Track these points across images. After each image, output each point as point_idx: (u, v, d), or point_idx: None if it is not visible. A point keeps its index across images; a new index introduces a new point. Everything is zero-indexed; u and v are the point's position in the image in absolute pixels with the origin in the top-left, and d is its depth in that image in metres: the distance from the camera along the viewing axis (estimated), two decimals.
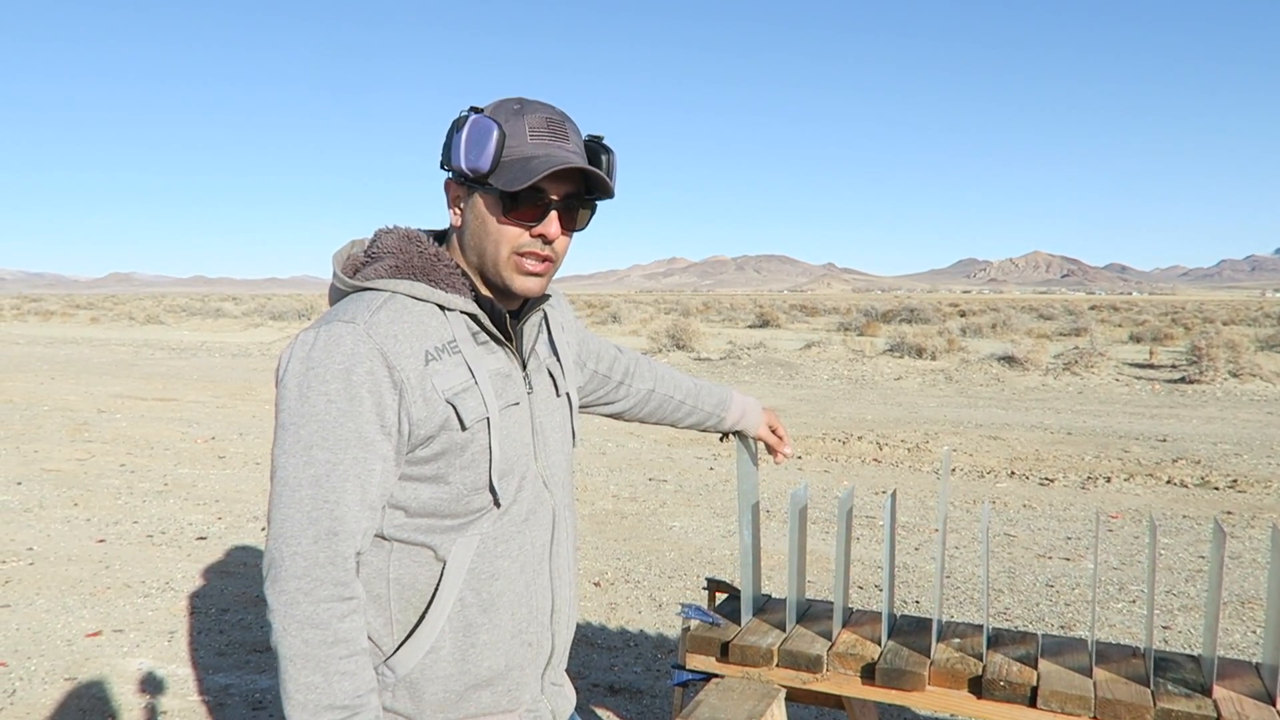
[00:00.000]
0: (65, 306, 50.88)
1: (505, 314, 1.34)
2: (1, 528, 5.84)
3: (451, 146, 1.29)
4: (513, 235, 1.29)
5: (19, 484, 7.07)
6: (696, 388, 1.90)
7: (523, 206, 1.28)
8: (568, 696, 1.52)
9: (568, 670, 3.74)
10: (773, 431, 2.00)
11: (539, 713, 1.42)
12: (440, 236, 1.41)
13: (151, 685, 3.64)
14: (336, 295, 1.36)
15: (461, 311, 1.31)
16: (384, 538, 1.29)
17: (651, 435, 9.64)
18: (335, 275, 1.35)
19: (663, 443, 9.26)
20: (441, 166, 1.34)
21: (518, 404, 1.35)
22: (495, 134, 1.25)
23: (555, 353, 1.48)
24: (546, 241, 1.30)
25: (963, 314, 39.23)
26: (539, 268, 1.32)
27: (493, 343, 1.34)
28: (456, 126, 1.29)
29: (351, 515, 1.21)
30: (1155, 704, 1.65)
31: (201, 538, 5.71)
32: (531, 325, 1.42)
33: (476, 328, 1.33)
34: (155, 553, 5.38)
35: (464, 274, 1.34)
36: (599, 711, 3.45)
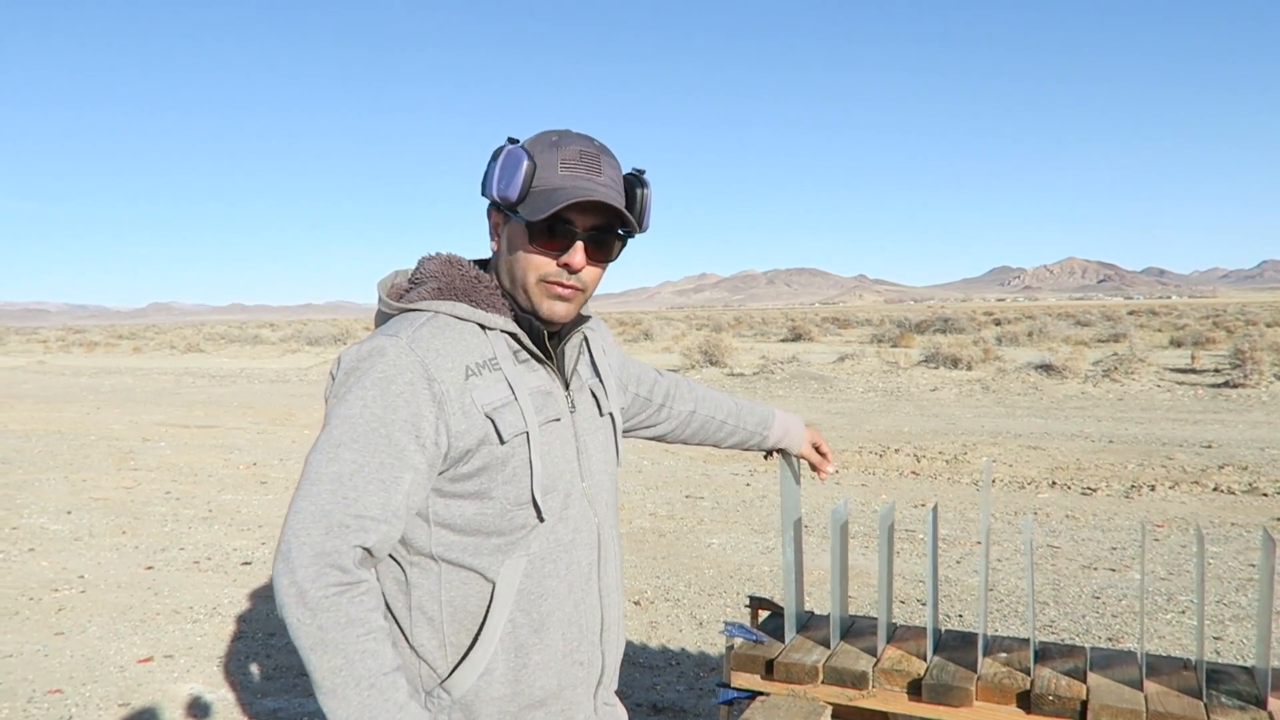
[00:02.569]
0: (108, 337, 51.95)
1: (544, 332, 1.37)
2: (54, 556, 5.97)
3: (488, 175, 1.34)
4: (540, 263, 1.34)
5: (69, 513, 7.23)
6: (738, 407, 1.92)
7: (549, 236, 1.32)
8: (619, 717, 1.53)
9: None
10: (816, 449, 2.00)
11: None
12: (485, 264, 1.46)
13: (202, 710, 3.70)
14: (382, 320, 1.40)
15: (502, 330, 1.35)
16: (433, 559, 1.31)
17: (688, 453, 9.64)
18: (381, 300, 1.40)
19: (699, 460, 9.25)
20: (483, 194, 1.38)
21: (559, 420, 1.38)
22: (525, 164, 1.30)
23: (597, 373, 1.51)
24: (572, 271, 1.34)
25: (998, 323, 38.80)
26: (566, 294, 1.36)
27: (534, 361, 1.38)
28: (494, 157, 1.34)
29: (370, 516, 1.21)
30: (1208, 717, 1.63)
31: (246, 563, 5.80)
32: (573, 346, 1.46)
33: (518, 346, 1.36)
34: (202, 578, 5.47)
35: (504, 295, 1.38)
36: None
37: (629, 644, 4.34)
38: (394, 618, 1.33)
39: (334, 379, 1.28)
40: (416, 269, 1.41)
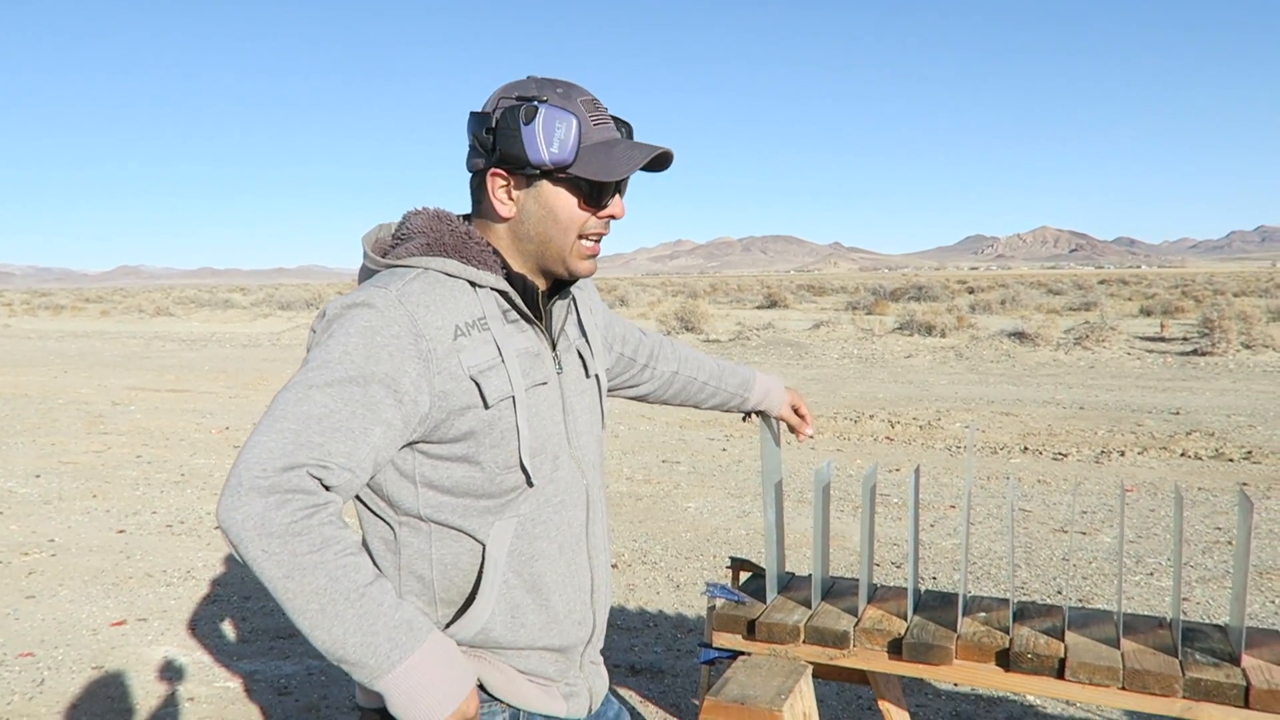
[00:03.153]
0: (75, 300, 51.04)
1: (537, 291, 1.34)
2: (23, 520, 5.89)
3: (519, 139, 1.25)
4: (582, 220, 1.31)
5: (38, 476, 7.13)
6: (720, 369, 1.90)
7: (600, 192, 1.30)
8: (603, 676, 1.53)
9: None
10: (795, 411, 2.00)
11: (576, 688, 1.43)
12: (466, 219, 1.40)
13: (177, 673, 3.68)
14: (366, 276, 1.35)
15: (492, 288, 1.31)
16: (422, 519, 1.29)
17: (663, 417, 9.66)
18: (366, 256, 1.35)
19: (675, 424, 9.27)
20: (490, 160, 1.30)
21: (546, 383, 1.35)
22: (575, 124, 1.25)
23: (584, 334, 1.48)
24: (610, 221, 1.35)
25: (971, 291, 39.10)
26: (595, 249, 1.36)
27: (522, 321, 1.34)
28: (525, 118, 1.25)
29: (332, 462, 1.15)
30: (1184, 674, 1.66)
31: (219, 527, 5.74)
32: (561, 306, 1.42)
33: (507, 305, 1.33)
34: (175, 542, 5.43)
35: (495, 252, 1.33)
36: (621, 691, 3.47)
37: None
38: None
39: (319, 323, 1.24)
40: (402, 224, 1.36)
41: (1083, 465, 7.22)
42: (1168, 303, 26.28)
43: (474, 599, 1.30)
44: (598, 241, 1.35)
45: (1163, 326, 19.58)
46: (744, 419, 2.05)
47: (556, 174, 1.28)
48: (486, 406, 1.26)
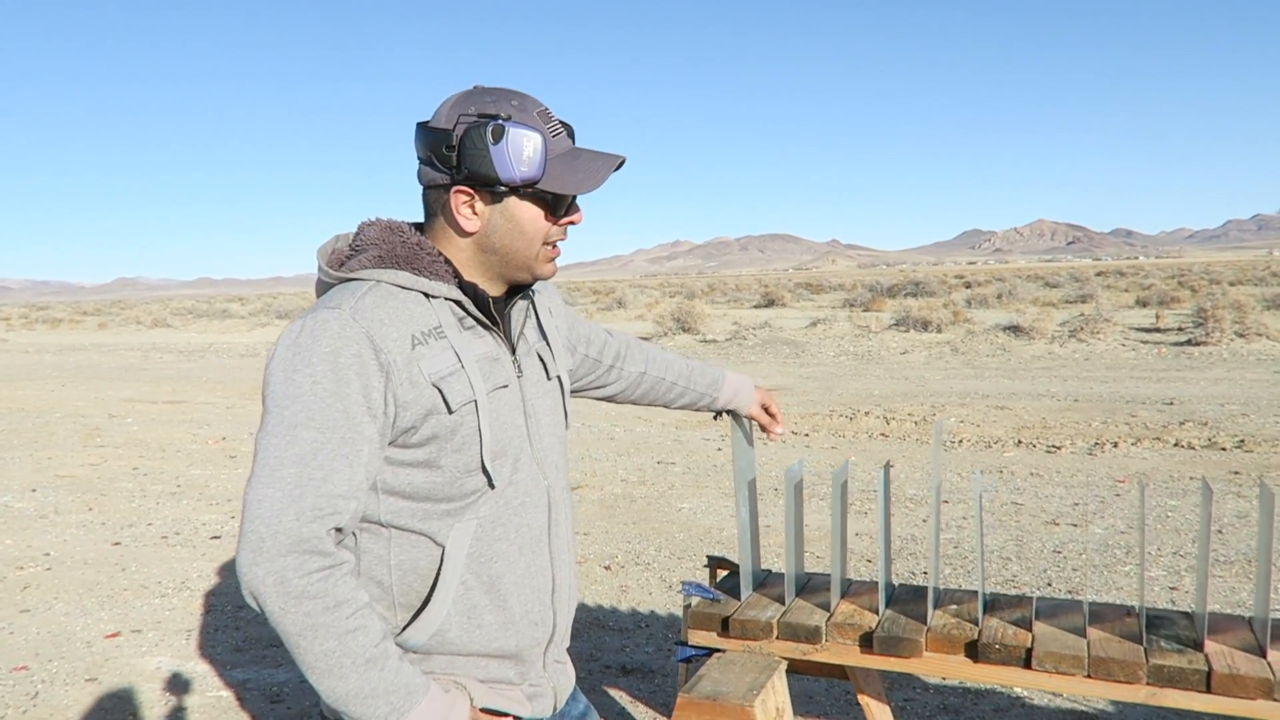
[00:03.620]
0: (72, 313, 51.06)
1: (489, 298, 1.36)
2: (18, 534, 5.91)
3: (488, 159, 1.27)
4: (546, 229, 1.36)
5: (33, 491, 7.15)
6: (689, 369, 1.93)
7: (562, 203, 1.35)
8: (569, 675, 1.55)
9: (580, 652, 3.78)
10: (765, 410, 2.02)
11: (540, 688, 1.45)
12: (419, 228, 1.42)
13: (171, 683, 3.70)
14: (323, 289, 1.37)
15: (446, 298, 1.33)
16: (382, 525, 1.31)
17: (659, 419, 9.68)
18: (320, 269, 1.37)
19: (670, 426, 9.30)
20: (455, 177, 1.31)
21: (506, 386, 1.37)
22: (541, 141, 1.28)
23: (544, 336, 1.50)
24: (572, 227, 1.40)
25: (968, 285, 39.13)
26: (559, 253, 1.41)
27: (479, 327, 1.36)
28: (493, 138, 1.26)
29: (339, 494, 1.20)
30: (1148, 660, 1.68)
31: (215, 537, 5.77)
32: (519, 310, 1.45)
33: (462, 313, 1.35)
34: (170, 553, 5.45)
35: (446, 262, 1.35)
36: (611, 692, 3.50)
37: (599, 608, 4.39)
38: None
39: (275, 357, 1.25)
40: (357, 235, 1.38)
41: (1076, 457, 7.24)
42: (1164, 293, 26.30)
43: (430, 600, 1.32)
44: (557, 245, 1.40)
45: (1158, 317, 19.63)
46: (715, 418, 2.07)
47: (524, 189, 1.31)
48: (450, 411, 1.28)
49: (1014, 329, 17.10)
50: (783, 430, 2.04)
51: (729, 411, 2.02)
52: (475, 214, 1.33)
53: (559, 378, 1.51)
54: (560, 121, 1.36)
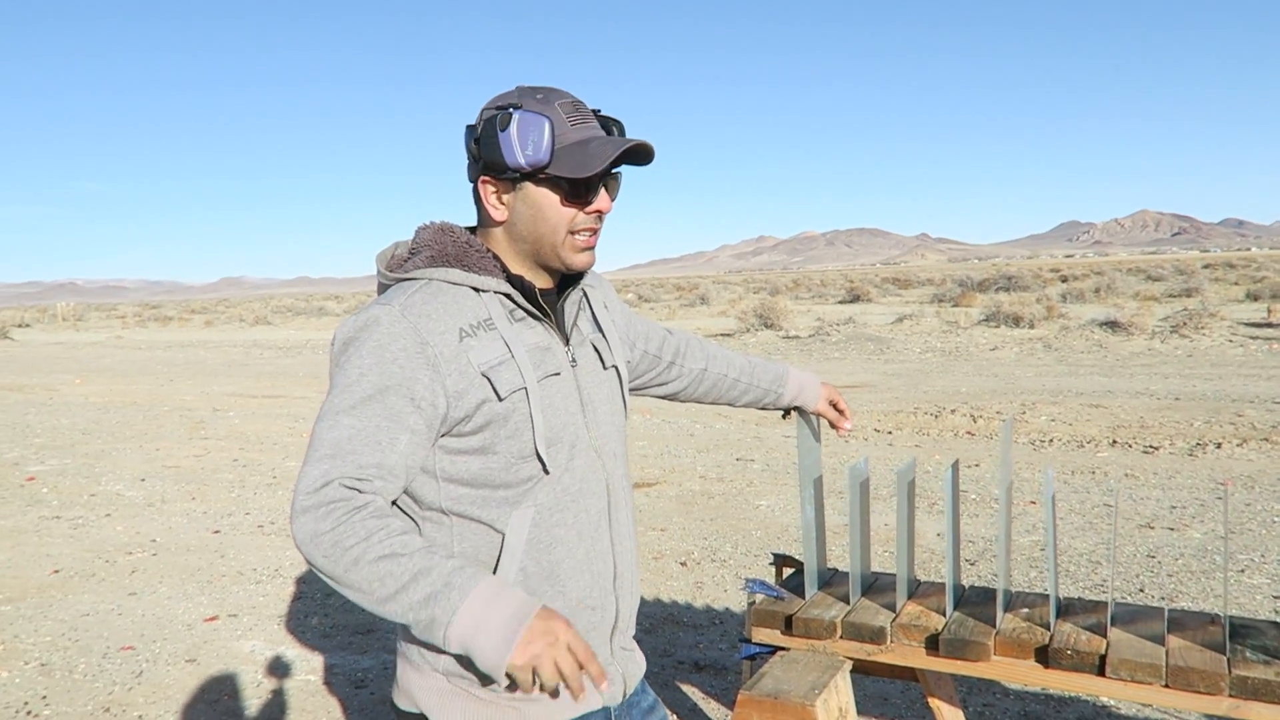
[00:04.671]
0: (182, 312, 53.62)
1: (535, 289, 1.41)
2: (128, 521, 6.25)
3: (499, 146, 1.33)
4: (569, 216, 1.38)
5: (143, 480, 7.55)
6: (751, 365, 1.93)
7: (581, 188, 1.36)
8: (638, 662, 1.57)
9: (653, 648, 3.81)
10: (834, 406, 2.01)
11: (609, 675, 1.47)
12: (473, 230, 1.49)
13: (263, 666, 3.87)
14: (382, 290, 1.45)
15: (495, 292, 1.39)
16: (444, 513, 1.37)
17: (739, 416, 9.64)
18: (379, 273, 1.45)
19: (750, 423, 9.25)
20: (476, 164, 1.39)
21: (559, 374, 1.41)
22: (547, 126, 1.32)
23: (599, 328, 1.53)
24: (600, 216, 1.40)
25: (1064, 279, 37.75)
26: (591, 241, 1.42)
27: (530, 319, 1.41)
28: (499, 125, 1.33)
29: (368, 469, 1.26)
30: (1230, 671, 1.61)
31: None
32: (572, 303, 1.49)
33: (513, 305, 1.40)
34: (265, 542, 5.69)
35: (495, 258, 1.41)
36: (684, 688, 3.51)
37: (674, 604, 4.40)
38: None
39: (334, 348, 1.34)
40: (413, 239, 1.46)
41: (1175, 458, 6.94)
42: (1277, 286, 24.90)
43: None
44: (592, 235, 1.41)
45: (1270, 311, 18.58)
46: (783, 416, 2.06)
47: (538, 175, 1.35)
48: (500, 399, 1.34)
49: (1111, 324, 16.44)
50: (851, 426, 2.02)
51: (795, 408, 2.01)
52: (502, 203, 1.40)
53: (615, 367, 1.54)
54: (600, 116, 1.40)
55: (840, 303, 33.18)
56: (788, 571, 2.25)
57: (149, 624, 4.37)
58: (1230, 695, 1.61)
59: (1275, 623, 1.82)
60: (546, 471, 1.38)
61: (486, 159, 1.36)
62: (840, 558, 4.66)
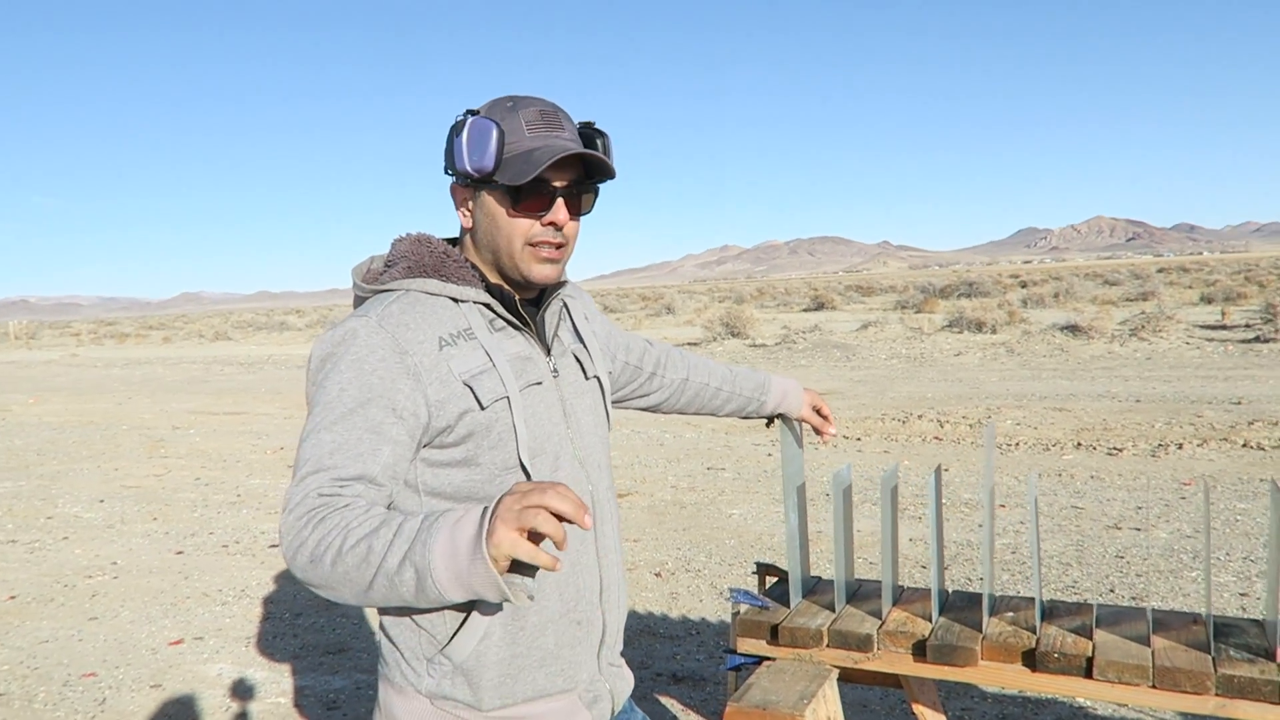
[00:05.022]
0: (139, 328, 52.64)
1: (515, 298, 1.39)
2: (87, 544, 6.09)
3: (454, 150, 1.34)
4: (524, 227, 1.34)
5: (102, 501, 7.36)
6: (733, 374, 1.91)
7: (530, 198, 1.33)
8: (625, 679, 1.54)
9: (631, 660, 3.76)
10: (817, 412, 2.00)
11: (597, 692, 1.45)
12: (454, 241, 1.47)
13: (231, 689, 3.78)
14: (358, 303, 1.42)
15: (474, 302, 1.36)
16: None
17: (709, 425, 9.64)
18: (355, 285, 1.42)
19: (720, 431, 9.25)
20: (446, 172, 1.40)
21: (540, 384, 1.39)
22: (494, 133, 1.30)
23: (580, 338, 1.51)
24: (557, 229, 1.36)
25: (1024, 285, 38.35)
26: (554, 254, 1.37)
27: (510, 329, 1.39)
28: (455, 130, 1.34)
29: (345, 478, 1.21)
30: (1216, 670, 1.62)
31: (274, 545, 5.88)
32: (552, 313, 1.47)
33: (492, 315, 1.38)
34: (231, 562, 5.57)
35: (473, 267, 1.39)
36: (663, 700, 3.48)
37: (649, 615, 4.37)
38: None
39: (311, 365, 1.31)
40: (390, 251, 1.43)
41: (1138, 459, 7.04)
42: (1230, 289, 25.49)
43: (475, 604, 1.32)
44: (556, 248, 1.37)
45: (1224, 314, 19.01)
46: (766, 425, 2.04)
47: (491, 182, 1.33)
48: (482, 408, 1.30)
49: (1072, 328, 16.71)
50: (835, 432, 2.01)
51: (779, 416, 1.99)
52: (468, 209, 1.39)
53: (598, 378, 1.51)
54: (586, 127, 1.38)
55: (805, 310, 33.41)
56: (771, 580, 2.23)
57: (111, 649, 4.25)
58: (1217, 694, 1.61)
59: (1257, 621, 1.83)
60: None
61: (448, 165, 1.38)
62: (819, 565, 4.65)
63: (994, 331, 18.31)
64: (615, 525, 1.52)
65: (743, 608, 2.03)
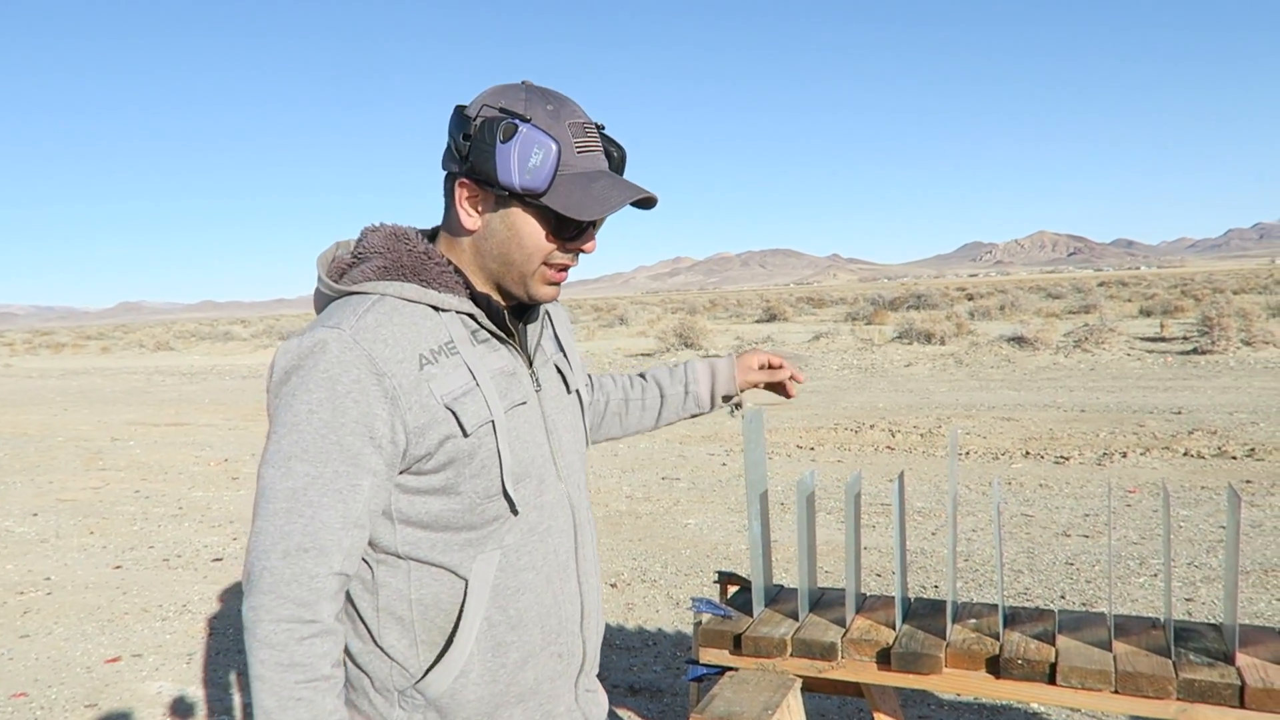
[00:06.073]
0: (76, 338, 51.16)
1: (503, 310, 1.28)
2: (19, 559, 5.85)
3: (492, 156, 1.17)
4: (548, 249, 1.23)
5: (35, 515, 7.10)
6: (653, 376, 1.76)
7: (570, 226, 1.22)
8: (600, 703, 1.45)
9: None
10: (768, 366, 1.78)
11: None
12: (430, 234, 1.32)
13: (171, 708, 3.64)
14: (322, 301, 1.28)
15: (457, 311, 1.24)
16: (400, 557, 1.22)
17: (664, 435, 9.62)
18: (320, 280, 1.27)
19: (675, 441, 9.24)
20: (461, 168, 1.22)
21: (525, 403, 1.28)
22: (555, 152, 1.16)
23: (561, 348, 1.42)
24: (581, 255, 1.27)
25: (970, 297, 39.08)
26: (563, 277, 1.28)
27: (494, 340, 1.28)
28: (503, 135, 1.17)
29: (328, 532, 1.13)
30: (1177, 675, 1.62)
31: (217, 559, 5.71)
32: (535, 322, 1.36)
33: (475, 326, 1.26)
34: (172, 576, 5.39)
35: (456, 271, 1.26)
36: (620, 712, 3.43)
37: (606, 626, 4.32)
38: (360, 618, 1.24)
39: (273, 378, 1.17)
40: (358, 242, 1.29)
41: (1085, 468, 7.17)
42: (1167, 302, 26.25)
43: (454, 638, 1.23)
44: (564, 271, 1.27)
45: (1163, 326, 19.56)
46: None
47: (527, 199, 1.20)
48: (465, 435, 1.20)
49: (1018, 340, 17.04)
50: (802, 379, 1.82)
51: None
52: (477, 212, 1.24)
53: (578, 391, 1.42)
54: (608, 143, 1.26)
55: (758, 322, 33.65)
56: (733, 590, 2.20)
57: (44, 668, 4.07)
58: (1178, 698, 1.62)
59: (1214, 625, 1.84)
60: (515, 512, 1.25)
61: (475, 163, 1.19)
62: (779, 573, 4.64)
63: (943, 343, 18.61)
64: (594, 545, 1.42)
65: (705, 617, 2.00)
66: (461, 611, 1.23)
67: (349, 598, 1.25)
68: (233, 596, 4.96)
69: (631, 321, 34.90)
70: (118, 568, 5.60)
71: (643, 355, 19.93)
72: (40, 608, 4.90)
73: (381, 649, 1.24)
